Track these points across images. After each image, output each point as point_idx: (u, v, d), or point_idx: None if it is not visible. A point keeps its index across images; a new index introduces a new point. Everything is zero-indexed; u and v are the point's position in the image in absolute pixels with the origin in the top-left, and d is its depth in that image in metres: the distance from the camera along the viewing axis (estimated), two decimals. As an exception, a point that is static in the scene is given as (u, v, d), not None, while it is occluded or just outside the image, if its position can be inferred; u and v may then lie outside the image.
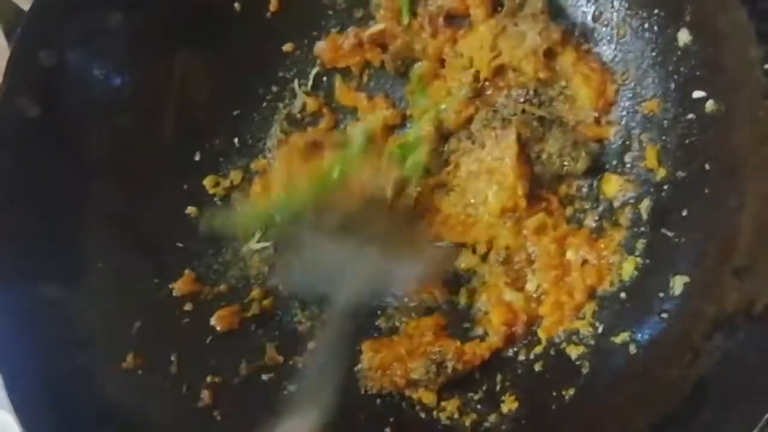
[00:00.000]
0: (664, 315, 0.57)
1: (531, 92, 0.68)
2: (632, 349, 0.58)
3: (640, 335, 0.58)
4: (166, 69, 0.73)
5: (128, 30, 0.71)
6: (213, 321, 0.69)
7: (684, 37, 0.61)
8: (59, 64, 0.68)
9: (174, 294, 0.70)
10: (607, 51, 0.67)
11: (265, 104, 0.78)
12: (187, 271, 0.71)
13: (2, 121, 0.67)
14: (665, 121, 0.63)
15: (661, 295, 0.58)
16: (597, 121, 0.66)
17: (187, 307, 0.70)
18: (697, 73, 0.60)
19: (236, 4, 0.75)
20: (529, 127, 0.67)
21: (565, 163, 0.65)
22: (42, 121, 0.68)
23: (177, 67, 0.73)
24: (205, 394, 0.66)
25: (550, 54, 0.67)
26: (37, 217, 0.67)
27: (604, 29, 0.68)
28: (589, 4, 0.68)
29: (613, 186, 0.66)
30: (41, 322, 0.63)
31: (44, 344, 0.62)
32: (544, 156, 0.66)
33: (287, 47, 0.77)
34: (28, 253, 0.65)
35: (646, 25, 0.64)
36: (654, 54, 0.64)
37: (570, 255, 0.66)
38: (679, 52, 0.61)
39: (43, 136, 0.68)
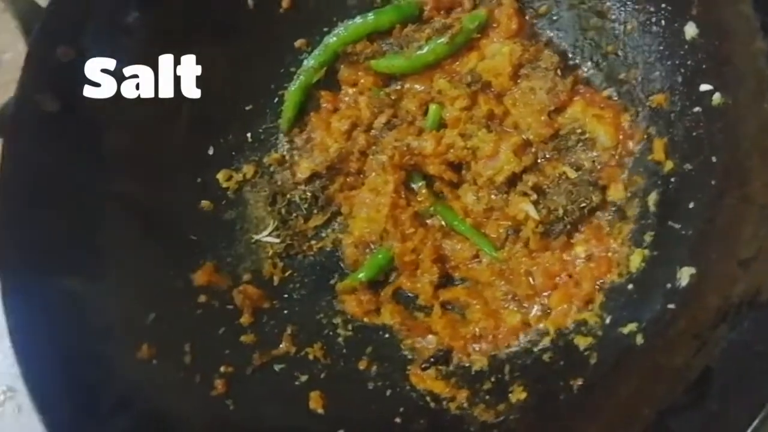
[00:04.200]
0: (671, 306, 0.57)
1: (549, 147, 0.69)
2: (639, 339, 0.59)
3: (647, 326, 0.59)
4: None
5: (144, 26, 0.72)
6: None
7: (691, 30, 0.62)
8: (76, 60, 0.69)
9: (192, 284, 0.71)
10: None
11: (277, 99, 0.79)
12: (207, 262, 0.72)
13: (21, 116, 0.69)
14: (672, 115, 0.63)
15: (668, 286, 0.58)
16: (619, 161, 0.67)
17: (201, 298, 0.71)
18: (704, 66, 0.61)
19: (249, 1, 0.76)
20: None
21: (582, 205, 0.66)
22: (60, 116, 0.69)
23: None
24: (219, 384, 0.67)
25: (557, 110, 0.69)
26: (56, 211, 0.68)
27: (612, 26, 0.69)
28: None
29: (618, 193, 0.67)
30: (61, 312, 0.64)
31: (64, 333, 0.63)
32: (560, 211, 0.67)
33: (299, 43, 0.79)
34: (48, 246, 0.66)
35: (654, 20, 0.65)
36: (661, 48, 0.64)
37: (578, 249, 0.67)
38: (686, 46, 0.62)
39: (61, 131, 0.70)
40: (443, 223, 0.74)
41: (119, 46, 0.71)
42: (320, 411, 0.66)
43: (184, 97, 0.74)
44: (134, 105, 0.72)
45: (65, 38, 0.69)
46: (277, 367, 0.69)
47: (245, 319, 0.71)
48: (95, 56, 0.69)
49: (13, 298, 0.64)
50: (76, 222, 0.68)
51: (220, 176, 0.77)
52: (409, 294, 0.73)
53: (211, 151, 0.77)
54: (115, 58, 0.70)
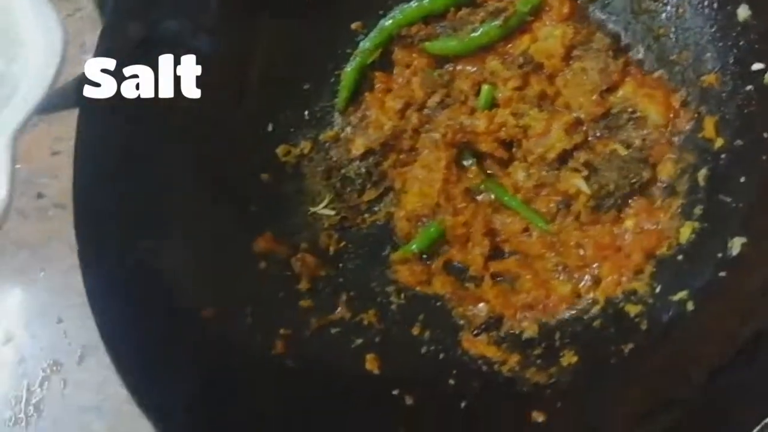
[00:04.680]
0: (722, 274, 0.59)
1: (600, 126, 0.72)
2: (690, 305, 0.61)
3: (697, 293, 0.61)
4: (247, 46, 0.78)
5: (213, 5, 0.75)
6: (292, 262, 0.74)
7: (743, 12, 0.64)
8: (149, 36, 0.73)
9: (252, 252, 0.74)
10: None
11: (333, 79, 0.82)
12: (267, 231, 0.75)
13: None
14: (723, 94, 0.65)
15: (719, 255, 0.60)
16: (669, 139, 0.69)
17: (261, 265, 0.75)
18: (756, 46, 0.63)
19: (310, -16, 0.80)
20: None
21: (633, 181, 0.69)
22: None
23: (259, 43, 0.78)
24: (278, 344, 0.70)
25: (608, 90, 0.71)
26: (128, 180, 0.71)
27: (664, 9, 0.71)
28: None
29: (668, 170, 0.69)
30: (133, 274, 0.67)
31: (135, 295, 0.67)
32: (611, 186, 0.69)
33: (355, 25, 0.82)
34: (121, 212, 0.70)
35: (706, 3, 0.67)
36: (713, 30, 0.67)
37: (628, 223, 0.69)
38: (739, 28, 0.64)
39: (132, 105, 0.73)
40: (493, 198, 0.76)
41: (190, 24, 0.74)
42: (376, 372, 0.69)
43: (249, 78, 0.78)
44: (202, 84, 0.75)
45: (138, 15, 0.73)
46: (333, 331, 0.72)
47: (303, 285, 0.74)
48: (166, 33, 0.72)
49: (89, 261, 0.67)
50: (146, 191, 0.71)
51: (279, 151, 0.80)
52: (460, 265, 0.75)
53: (270, 128, 0.80)
54: (185, 37, 0.73)
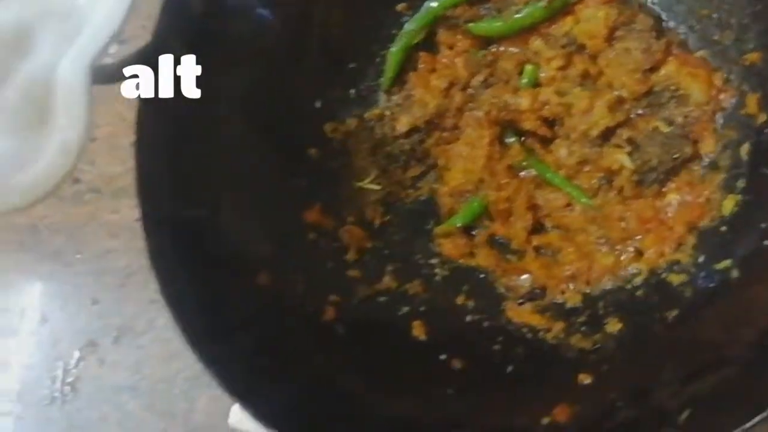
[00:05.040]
0: (767, 243, 0.61)
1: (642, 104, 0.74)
2: (735, 273, 0.63)
3: (742, 261, 0.62)
4: (305, 21, 0.80)
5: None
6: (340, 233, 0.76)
7: (788, -10, 0.66)
8: (209, 9, 0.75)
9: (302, 223, 0.76)
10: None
11: (378, 59, 0.85)
12: (316, 204, 0.77)
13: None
14: (766, 71, 0.67)
15: (763, 225, 0.62)
16: (710, 117, 0.71)
17: (311, 236, 0.77)
18: (799, 24, 0.65)
19: (356, -34, 0.82)
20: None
21: (675, 156, 0.70)
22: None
23: (316, 18, 0.80)
24: (329, 311, 0.72)
25: (651, 69, 0.73)
26: (186, 151, 0.72)
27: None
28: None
29: (710, 146, 0.71)
30: (190, 239, 0.69)
31: (193, 257, 0.69)
32: (654, 161, 0.71)
33: (401, 7, 0.84)
34: (178, 181, 0.72)
35: (750, -19, 0.69)
36: (757, 9, 0.68)
37: (670, 197, 0.71)
38: (782, 5, 0.66)
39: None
40: (536, 174, 0.78)
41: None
42: (423, 338, 0.71)
43: (305, 55, 0.80)
44: (259, 58, 0.77)
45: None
46: (380, 299, 0.74)
47: (350, 256, 0.76)
48: (226, 7, 0.75)
49: (150, 226, 0.69)
50: (202, 162, 0.73)
51: (327, 127, 0.82)
52: (503, 240, 0.77)
53: (318, 104, 0.83)
54: (246, 7, 0.75)
